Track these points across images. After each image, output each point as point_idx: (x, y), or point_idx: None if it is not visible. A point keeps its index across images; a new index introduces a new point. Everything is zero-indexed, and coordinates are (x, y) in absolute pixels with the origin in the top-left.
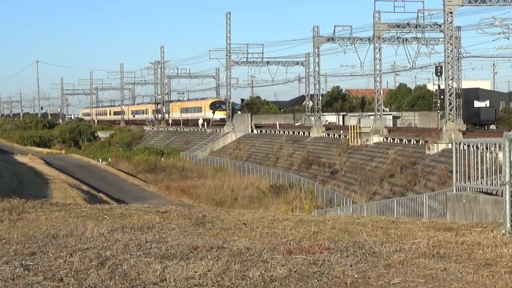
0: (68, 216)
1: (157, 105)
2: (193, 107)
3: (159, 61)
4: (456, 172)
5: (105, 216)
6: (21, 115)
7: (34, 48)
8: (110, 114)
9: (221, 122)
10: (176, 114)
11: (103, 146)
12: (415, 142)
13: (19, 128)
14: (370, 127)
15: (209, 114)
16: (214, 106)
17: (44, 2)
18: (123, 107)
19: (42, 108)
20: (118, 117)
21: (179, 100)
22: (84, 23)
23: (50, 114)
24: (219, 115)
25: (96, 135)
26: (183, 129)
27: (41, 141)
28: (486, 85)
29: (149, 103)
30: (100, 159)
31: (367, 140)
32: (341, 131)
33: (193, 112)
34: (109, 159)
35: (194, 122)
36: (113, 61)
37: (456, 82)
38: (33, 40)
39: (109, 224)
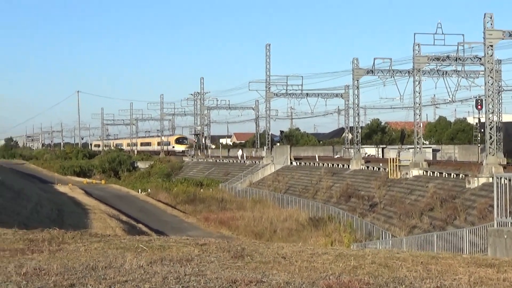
0: (107, 247)
1: (197, 136)
2: (165, 141)
3: (198, 92)
4: (497, 206)
5: (144, 248)
6: (61, 145)
7: (75, 79)
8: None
9: (182, 154)
10: (155, 146)
11: (142, 177)
12: (455, 175)
13: (59, 158)
14: (409, 160)
15: (177, 147)
16: (178, 141)
17: (86, 33)
18: (133, 139)
19: (82, 138)
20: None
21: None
22: (125, 54)
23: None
24: (180, 147)
25: (135, 165)
26: (223, 160)
27: (81, 171)
28: None
29: (154, 136)
30: (139, 190)
31: (407, 173)
32: (381, 164)
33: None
34: (149, 189)
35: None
36: (153, 92)
37: (497, 116)
38: (74, 71)
39: (148, 256)
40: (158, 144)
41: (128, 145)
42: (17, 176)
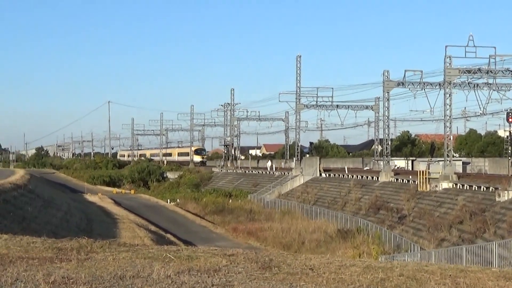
0: (135, 257)
1: (227, 147)
2: (185, 152)
3: (229, 103)
4: None
5: (172, 257)
6: (92, 155)
7: (106, 89)
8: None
9: (200, 164)
10: (175, 157)
11: (171, 187)
12: (485, 188)
13: (89, 167)
14: (439, 172)
15: (195, 158)
16: (197, 152)
17: (118, 44)
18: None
19: (112, 148)
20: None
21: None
22: (156, 65)
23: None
24: (198, 158)
25: (165, 175)
26: (252, 171)
27: (110, 180)
28: None
29: (174, 147)
30: (168, 200)
31: (436, 185)
32: (410, 176)
33: (185, 155)
34: (177, 200)
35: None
36: (184, 103)
37: None
38: (105, 81)
39: (176, 266)
40: (179, 154)
41: (151, 155)
42: (47, 185)
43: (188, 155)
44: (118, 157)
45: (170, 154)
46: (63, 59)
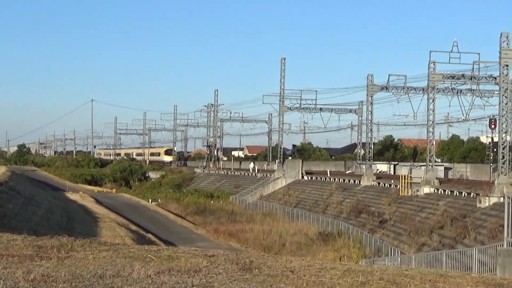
0: (115, 256)
1: (210, 148)
2: (156, 152)
3: (212, 104)
4: (508, 226)
5: (153, 257)
6: (74, 153)
7: (90, 87)
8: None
9: (170, 164)
10: (147, 157)
11: (153, 187)
12: (466, 194)
13: (71, 166)
14: (421, 177)
15: (165, 158)
16: (167, 152)
17: (101, 42)
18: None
19: (95, 147)
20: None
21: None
22: (140, 64)
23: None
24: (168, 158)
25: (147, 175)
26: (234, 172)
27: (92, 179)
28: None
29: (146, 147)
30: (150, 200)
31: (418, 190)
32: (392, 181)
33: (156, 155)
34: (159, 200)
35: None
36: (168, 103)
37: (510, 136)
38: (89, 79)
39: (156, 266)
40: (151, 154)
41: (125, 154)
42: (29, 182)
43: (159, 155)
44: (94, 155)
45: (141, 154)
46: (46, 56)
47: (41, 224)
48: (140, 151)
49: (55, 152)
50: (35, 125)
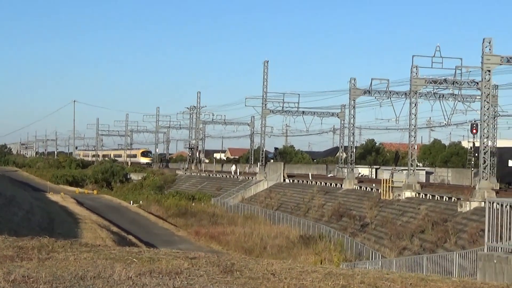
0: (96, 257)
1: (191, 150)
2: (133, 154)
3: (195, 106)
4: (488, 231)
5: (134, 259)
6: (55, 154)
7: (72, 88)
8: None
9: (146, 165)
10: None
11: (135, 188)
12: (447, 198)
13: (52, 167)
14: (402, 181)
15: (142, 159)
16: (143, 154)
17: (84, 42)
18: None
19: (76, 148)
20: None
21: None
22: (123, 66)
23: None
24: (145, 160)
25: (128, 177)
26: (216, 175)
27: (73, 180)
28: None
29: (123, 149)
30: (131, 201)
31: (399, 194)
32: (374, 185)
33: (133, 157)
34: (140, 201)
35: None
36: (150, 104)
37: (491, 141)
38: (71, 80)
39: (137, 268)
40: (128, 156)
41: (103, 156)
42: (9, 183)
43: (136, 157)
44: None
45: (120, 156)
46: (28, 56)
47: (22, 225)
48: (119, 152)
49: (36, 153)
50: (17, 125)
